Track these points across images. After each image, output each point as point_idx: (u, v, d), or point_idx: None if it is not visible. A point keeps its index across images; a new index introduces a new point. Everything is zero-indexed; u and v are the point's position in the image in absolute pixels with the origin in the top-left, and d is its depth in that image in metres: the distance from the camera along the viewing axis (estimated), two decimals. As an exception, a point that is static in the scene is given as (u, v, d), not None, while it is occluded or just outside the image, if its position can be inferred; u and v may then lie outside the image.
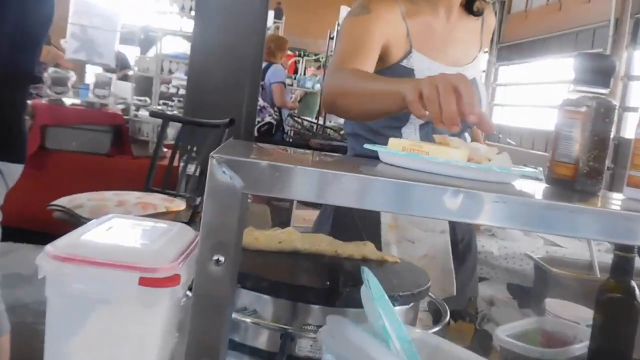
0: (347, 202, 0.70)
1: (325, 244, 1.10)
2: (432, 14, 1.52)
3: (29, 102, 2.20)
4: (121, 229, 0.88)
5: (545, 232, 1.23)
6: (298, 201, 4.33)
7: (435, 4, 1.51)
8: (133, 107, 5.02)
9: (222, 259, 0.69)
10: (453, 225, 1.53)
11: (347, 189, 0.69)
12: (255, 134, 4.66)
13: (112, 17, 4.66)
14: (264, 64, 4.94)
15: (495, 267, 2.49)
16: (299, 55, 8.50)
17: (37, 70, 1.93)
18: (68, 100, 4.51)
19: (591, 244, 1.38)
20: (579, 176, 0.84)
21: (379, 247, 1.33)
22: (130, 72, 5.73)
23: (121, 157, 4.48)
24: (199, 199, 3.18)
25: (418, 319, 1.05)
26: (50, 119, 4.25)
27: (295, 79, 7.46)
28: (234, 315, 0.90)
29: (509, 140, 6.68)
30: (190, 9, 5.13)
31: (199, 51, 4.33)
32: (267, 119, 5.28)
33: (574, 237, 1.50)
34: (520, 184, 0.83)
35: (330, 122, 6.30)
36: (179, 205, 3.16)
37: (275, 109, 5.53)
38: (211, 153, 0.69)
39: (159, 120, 3.86)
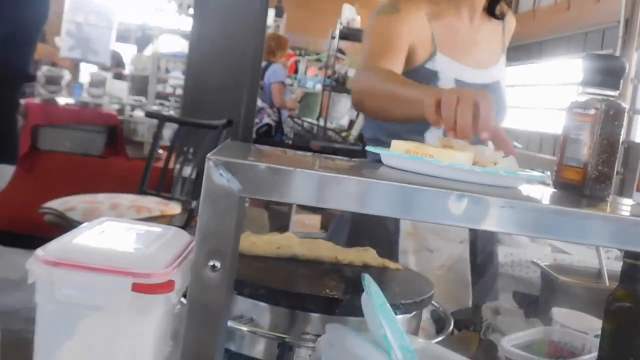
0: (349, 207, 0.69)
1: (325, 250, 1.09)
2: (456, 16, 1.53)
3: (22, 101, 2.18)
4: (114, 232, 0.86)
5: (552, 239, 1.22)
6: (297, 205, 4.32)
7: (458, 6, 1.53)
8: (128, 107, 5.00)
9: (218, 264, 0.68)
10: (474, 235, 1.52)
11: (348, 192, 0.68)
12: (254, 135, 4.64)
13: (109, 14, 4.64)
14: (263, 63, 4.93)
15: (501, 274, 2.47)
16: (300, 55, 8.49)
17: (32, 69, 1.91)
18: (62, 100, 4.48)
19: (600, 251, 1.36)
20: (588, 181, 0.83)
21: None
22: (124, 71, 5.71)
23: (115, 158, 4.45)
24: (194, 203, 3.16)
25: (421, 328, 1.04)
26: (43, 118, 4.22)
27: (295, 78, 7.46)
28: (230, 323, 0.89)
29: (515, 143, 6.67)
30: (189, 7, 5.13)
31: (197, 50, 4.32)
32: (266, 120, 5.27)
33: (583, 244, 1.49)
34: (527, 189, 0.82)
35: (331, 123, 6.30)
36: (174, 208, 3.14)
37: (275, 109, 5.51)
38: (208, 155, 0.67)
39: (155, 121, 3.84)
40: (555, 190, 0.87)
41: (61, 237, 0.80)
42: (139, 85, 5.50)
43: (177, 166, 3.48)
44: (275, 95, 5.48)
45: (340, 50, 6.66)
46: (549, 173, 1.00)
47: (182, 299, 0.79)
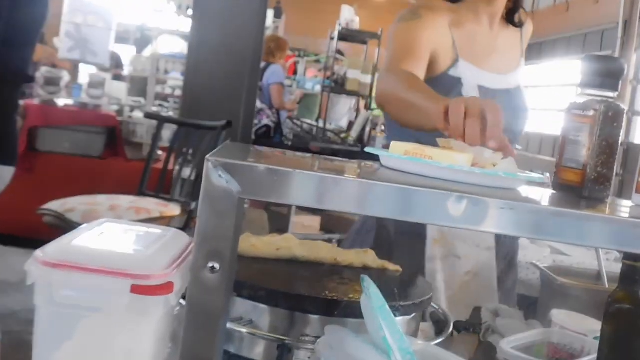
0: (348, 208, 0.69)
1: (324, 251, 1.09)
2: (476, 23, 1.54)
3: (21, 102, 2.18)
4: (113, 234, 0.86)
5: (552, 240, 1.22)
6: (297, 207, 4.32)
7: (478, 13, 1.53)
8: (127, 108, 5.00)
9: (217, 266, 0.67)
10: (498, 242, 1.53)
11: (347, 194, 0.68)
12: (253, 136, 4.64)
13: (107, 15, 4.64)
14: (262, 64, 4.92)
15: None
16: (299, 56, 8.49)
17: (31, 70, 1.91)
18: (61, 101, 4.47)
19: (599, 252, 1.36)
20: (587, 182, 0.83)
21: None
22: (123, 72, 5.71)
23: (114, 159, 4.45)
24: (194, 204, 3.16)
25: (420, 330, 1.03)
26: (42, 120, 4.21)
27: (294, 79, 7.45)
28: (229, 325, 0.88)
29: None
30: (188, 8, 5.12)
31: (196, 51, 4.31)
32: (265, 121, 5.26)
33: (582, 246, 1.48)
34: (527, 190, 0.81)
35: (330, 124, 6.29)
36: (174, 210, 3.14)
37: (274, 110, 5.50)
38: (207, 156, 0.67)
39: (154, 122, 3.84)
40: (554, 191, 0.87)
41: (60, 238, 0.80)
42: (138, 86, 5.49)
43: (177, 167, 3.48)
44: (275, 96, 5.47)
45: (339, 52, 6.66)
46: (548, 175, 1.00)
47: (182, 301, 0.79)
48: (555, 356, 1.05)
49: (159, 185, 3.37)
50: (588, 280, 1.36)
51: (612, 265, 1.43)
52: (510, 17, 1.60)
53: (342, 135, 5.70)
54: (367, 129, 5.61)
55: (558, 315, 1.13)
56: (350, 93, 5.87)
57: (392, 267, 1.12)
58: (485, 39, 1.55)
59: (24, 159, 3.86)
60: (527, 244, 2.54)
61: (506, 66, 1.59)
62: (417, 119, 1.17)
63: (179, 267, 0.77)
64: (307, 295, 0.93)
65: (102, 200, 3.07)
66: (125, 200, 3.09)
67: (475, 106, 0.91)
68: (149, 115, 4.20)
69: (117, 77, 5.55)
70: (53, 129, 4.26)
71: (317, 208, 0.71)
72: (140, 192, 3.32)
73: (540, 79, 7.61)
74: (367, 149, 0.90)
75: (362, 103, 6.70)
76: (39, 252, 0.75)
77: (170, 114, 5.10)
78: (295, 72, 7.92)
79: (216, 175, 0.66)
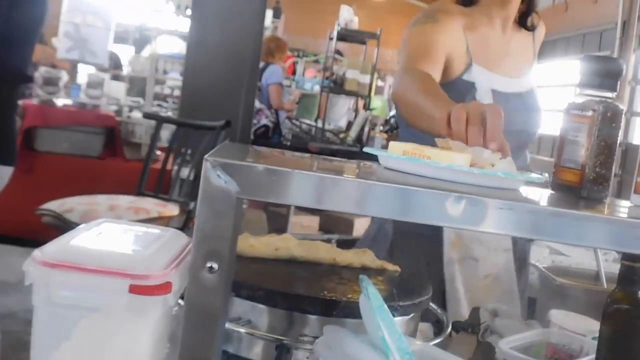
0: (347, 208, 0.69)
1: (323, 251, 1.08)
2: (489, 26, 1.55)
3: (19, 102, 2.17)
4: (112, 234, 0.86)
5: (550, 240, 1.21)
6: (295, 207, 4.32)
7: (491, 17, 1.54)
8: (126, 108, 5.00)
9: (215, 266, 0.67)
10: (514, 243, 1.52)
11: (346, 194, 0.67)
12: (252, 136, 4.64)
13: (106, 15, 4.64)
14: (261, 64, 4.92)
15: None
16: (298, 56, 8.49)
17: (30, 70, 1.91)
18: (59, 101, 4.47)
19: (598, 253, 1.36)
20: (586, 182, 0.83)
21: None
22: (122, 72, 5.70)
23: (113, 159, 4.45)
24: (192, 204, 3.15)
25: (419, 330, 1.03)
26: (41, 120, 4.21)
27: (293, 79, 7.45)
28: (227, 325, 0.88)
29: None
30: (187, 8, 5.12)
31: (195, 51, 4.31)
32: (264, 121, 5.25)
33: (580, 246, 1.49)
34: (525, 190, 0.81)
35: (329, 124, 6.29)
36: (172, 210, 3.14)
37: (272, 110, 5.50)
38: (205, 156, 0.67)
39: (153, 122, 3.84)
40: (553, 191, 0.86)
41: (58, 238, 0.80)
42: (137, 87, 5.49)
43: (175, 167, 3.48)
44: (273, 96, 5.47)
45: (338, 52, 6.66)
46: (547, 175, 1.00)
47: (180, 301, 0.79)
48: (554, 356, 1.05)
49: (157, 185, 3.37)
50: (587, 280, 1.36)
51: (610, 266, 1.43)
52: (523, 20, 1.60)
53: (341, 136, 5.70)
54: (366, 129, 5.61)
55: (557, 315, 1.13)
56: (349, 93, 5.87)
57: (391, 267, 1.12)
58: (498, 42, 1.56)
59: (23, 159, 3.86)
60: (526, 244, 2.54)
61: (518, 69, 1.59)
62: (424, 123, 1.17)
63: (177, 267, 0.77)
64: (305, 295, 0.92)
65: (100, 200, 3.07)
66: (124, 201, 3.08)
67: (476, 112, 0.91)
68: (147, 116, 4.20)
69: (116, 77, 5.55)
70: (52, 129, 4.26)
71: (316, 208, 0.71)
72: (139, 192, 3.32)
73: (539, 79, 7.60)
74: (365, 149, 0.90)
75: (360, 103, 6.71)
76: (37, 252, 0.74)
77: (169, 114, 5.11)
78: (294, 72, 7.92)
79: (215, 175, 0.66)
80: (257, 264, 1.04)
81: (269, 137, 5.23)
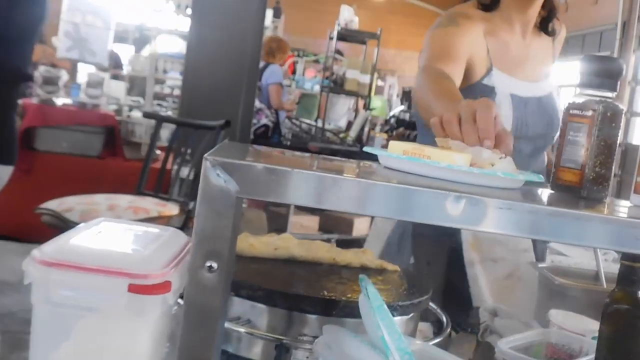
0: (347, 208, 0.69)
1: (322, 251, 1.08)
2: (509, 31, 1.55)
3: (19, 101, 2.17)
4: (111, 233, 0.86)
5: (550, 240, 1.21)
6: (295, 206, 4.31)
7: (511, 22, 1.55)
8: (126, 108, 4.99)
9: (215, 265, 0.67)
10: (533, 243, 1.52)
11: (346, 194, 0.67)
12: (252, 136, 4.64)
13: (106, 14, 4.64)
14: (261, 64, 4.92)
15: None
16: (298, 56, 8.49)
17: (30, 69, 1.91)
18: (59, 100, 4.47)
19: (597, 252, 1.36)
20: (585, 182, 0.83)
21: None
22: (122, 72, 5.70)
23: (113, 159, 4.44)
24: (192, 204, 3.15)
25: (418, 330, 1.03)
26: (40, 119, 4.20)
27: (293, 79, 7.45)
28: (227, 324, 0.88)
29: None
30: (186, 7, 5.12)
31: (195, 50, 4.31)
32: (264, 120, 5.25)
33: (580, 246, 1.49)
34: (525, 190, 0.81)
35: (329, 124, 6.29)
36: (172, 209, 3.13)
37: (272, 110, 5.50)
38: (205, 155, 0.67)
39: (152, 122, 3.83)
40: (552, 191, 0.86)
41: (57, 237, 0.79)
42: (137, 86, 5.49)
43: (175, 167, 3.48)
44: (273, 96, 5.47)
45: (338, 52, 6.66)
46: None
47: (179, 300, 0.79)
48: (554, 356, 1.05)
49: (157, 184, 3.36)
50: (586, 280, 1.36)
51: (610, 266, 1.43)
52: (544, 25, 1.61)
53: (341, 135, 5.70)
54: (366, 128, 5.62)
55: (556, 315, 1.13)
56: (349, 93, 5.87)
57: (390, 266, 1.12)
58: (518, 47, 1.56)
59: (22, 158, 3.85)
60: (525, 243, 2.54)
61: (538, 73, 1.60)
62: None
63: (176, 267, 0.77)
64: (305, 295, 0.92)
65: (100, 199, 3.07)
66: (123, 200, 3.08)
67: (468, 111, 0.91)
68: (147, 115, 4.19)
69: (116, 77, 5.54)
70: (51, 129, 4.25)
71: (316, 208, 0.71)
72: (138, 192, 3.32)
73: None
74: (365, 149, 0.90)
75: (360, 103, 6.71)
76: (36, 252, 0.74)
77: (169, 113, 5.10)
78: (294, 72, 7.92)
79: (214, 175, 0.66)
80: (256, 263, 1.04)
81: (268, 136, 5.23)
